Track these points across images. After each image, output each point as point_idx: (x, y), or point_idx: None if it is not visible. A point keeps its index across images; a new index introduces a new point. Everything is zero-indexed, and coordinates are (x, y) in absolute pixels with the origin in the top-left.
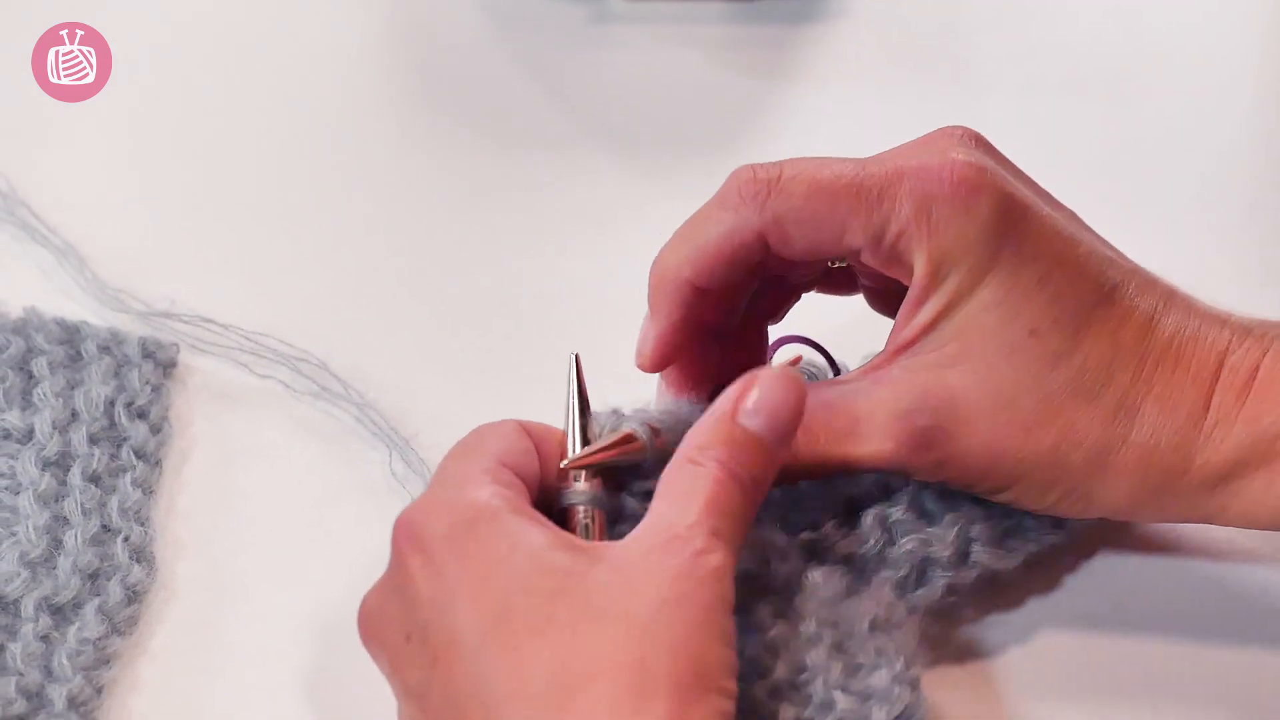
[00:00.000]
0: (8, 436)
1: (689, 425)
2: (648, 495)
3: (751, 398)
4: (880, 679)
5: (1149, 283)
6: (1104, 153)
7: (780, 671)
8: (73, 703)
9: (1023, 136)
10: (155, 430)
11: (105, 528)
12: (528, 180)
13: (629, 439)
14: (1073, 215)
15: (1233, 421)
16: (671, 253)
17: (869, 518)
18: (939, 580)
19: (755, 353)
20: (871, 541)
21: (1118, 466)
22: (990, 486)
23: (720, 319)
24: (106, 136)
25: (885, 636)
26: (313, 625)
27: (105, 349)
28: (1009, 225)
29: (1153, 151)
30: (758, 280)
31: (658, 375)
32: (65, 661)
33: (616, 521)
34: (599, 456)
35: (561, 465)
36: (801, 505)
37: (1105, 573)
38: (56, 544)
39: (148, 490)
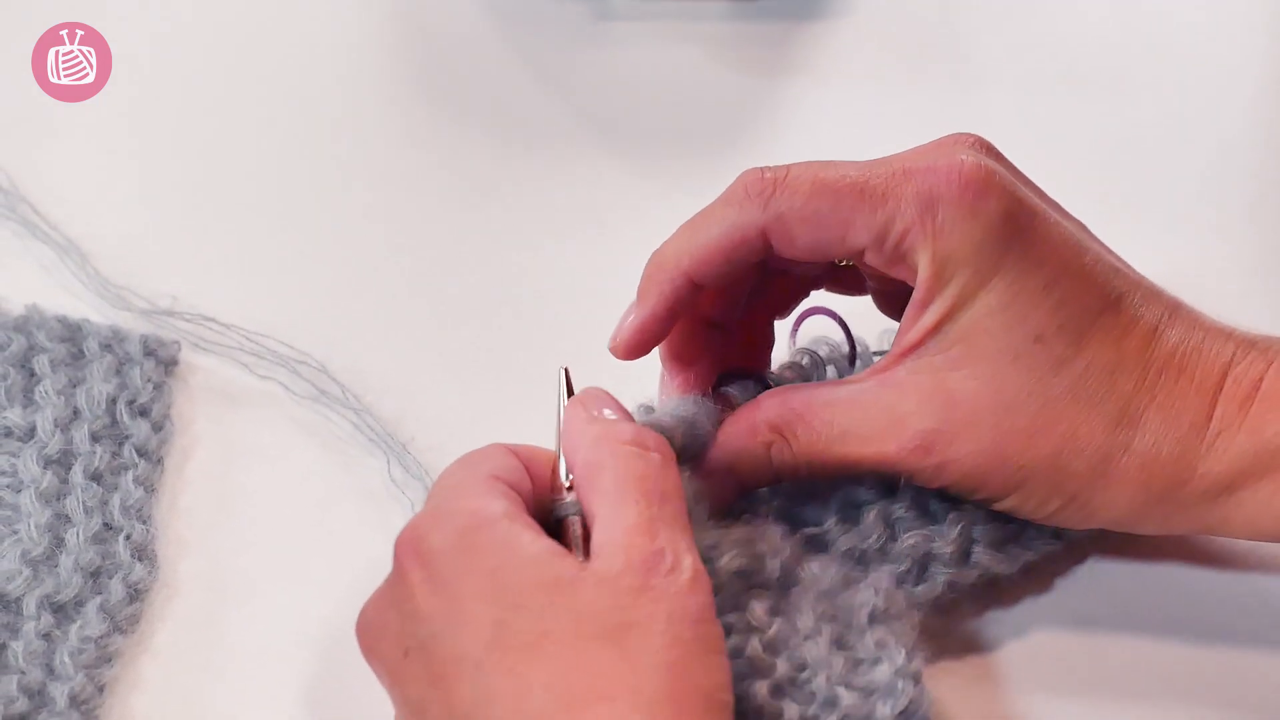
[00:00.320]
0: (9, 434)
1: (693, 424)
2: None
3: (595, 398)
4: (882, 673)
5: (1154, 294)
6: (1104, 151)
7: (781, 669)
8: (74, 701)
9: (1023, 135)
10: (157, 428)
11: (107, 526)
12: (529, 179)
13: None
14: (1080, 225)
15: (1236, 432)
16: (672, 244)
17: (871, 514)
18: (940, 576)
19: (760, 349)
20: (874, 537)
21: (1119, 474)
22: (990, 494)
23: (720, 313)
24: (106, 136)
25: (885, 628)
26: (315, 623)
27: (107, 346)
28: (1015, 230)
29: (1153, 149)
30: (756, 276)
31: (660, 374)
32: (67, 659)
33: None
34: None
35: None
36: (804, 502)
37: (1097, 575)
38: (58, 542)
39: (149, 488)
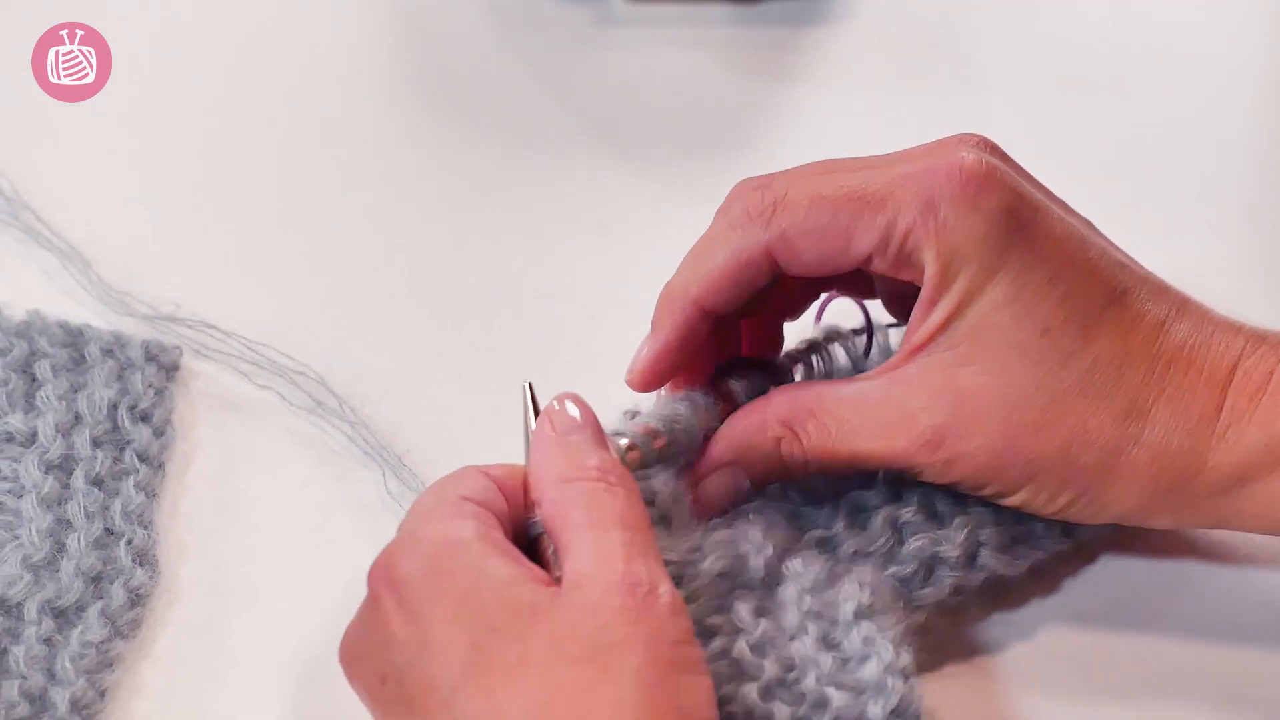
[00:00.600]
0: (11, 440)
1: (688, 426)
2: None
3: (561, 421)
4: (871, 670)
5: (1161, 289)
6: (1105, 153)
7: (769, 670)
8: (75, 706)
9: (1025, 137)
10: (158, 433)
11: (108, 531)
12: (532, 184)
13: (630, 448)
14: (1087, 222)
15: (1246, 425)
16: (679, 275)
17: (879, 518)
18: (946, 579)
19: (768, 349)
20: (881, 541)
21: (1129, 468)
22: (1000, 489)
23: (729, 314)
24: (107, 136)
25: (871, 623)
26: (315, 630)
27: (108, 352)
28: (1018, 224)
29: (1153, 151)
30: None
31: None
32: (68, 665)
33: None
34: None
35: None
36: (813, 506)
37: (1106, 575)
38: (59, 547)
39: (150, 493)
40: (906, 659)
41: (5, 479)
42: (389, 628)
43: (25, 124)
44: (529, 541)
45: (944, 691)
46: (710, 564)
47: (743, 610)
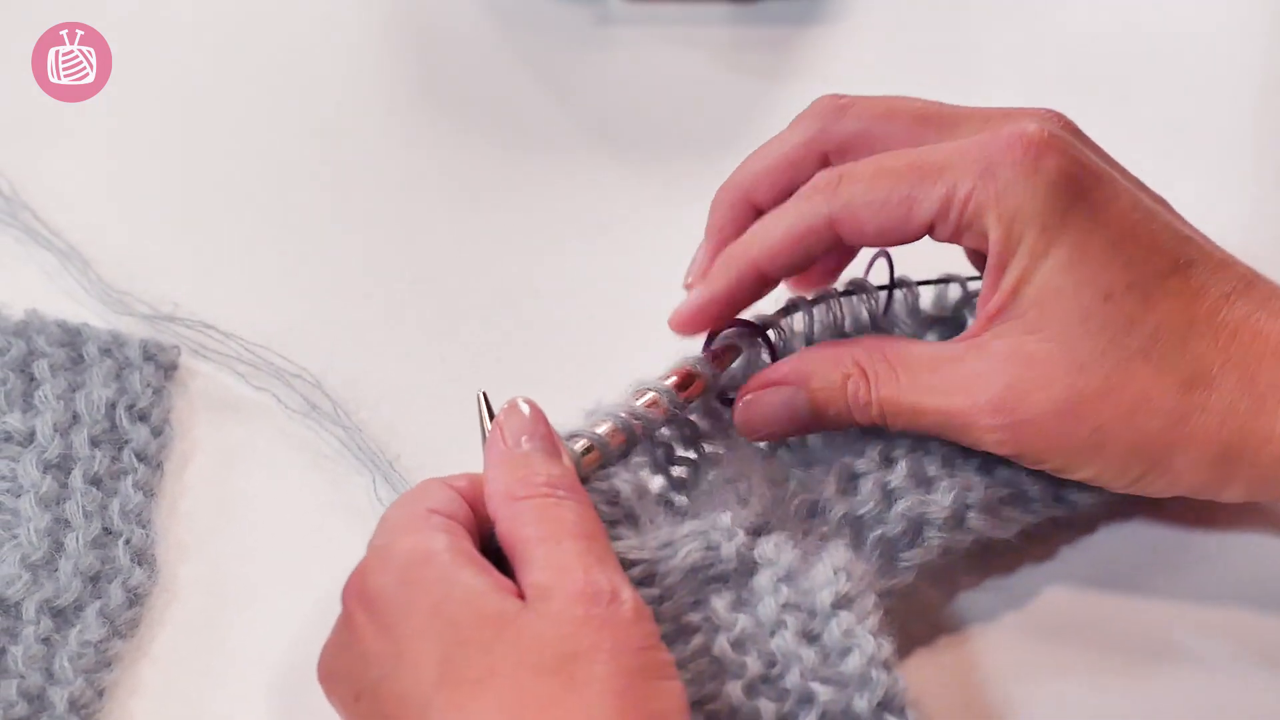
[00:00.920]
0: (9, 439)
1: (647, 423)
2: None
3: (511, 429)
4: (854, 664)
5: (1226, 264)
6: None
7: (752, 667)
8: (74, 705)
9: None
10: (156, 433)
11: (106, 530)
12: (531, 184)
13: (588, 450)
14: (1160, 199)
15: None
16: (738, 172)
17: (868, 482)
18: (934, 540)
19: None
20: (871, 504)
21: (1197, 435)
22: (1067, 459)
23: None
24: (107, 136)
25: (849, 613)
26: (314, 629)
27: (106, 351)
28: (1079, 189)
29: (1153, 151)
30: None
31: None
32: (66, 664)
33: None
34: None
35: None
36: (806, 469)
37: (1105, 545)
38: (58, 546)
39: (149, 493)
40: (888, 649)
41: (3, 478)
42: (363, 644)
43: (25, 124)
44: (497, 550)
45: (938, 663)
46: (682, 559)
47: (720, 606)
